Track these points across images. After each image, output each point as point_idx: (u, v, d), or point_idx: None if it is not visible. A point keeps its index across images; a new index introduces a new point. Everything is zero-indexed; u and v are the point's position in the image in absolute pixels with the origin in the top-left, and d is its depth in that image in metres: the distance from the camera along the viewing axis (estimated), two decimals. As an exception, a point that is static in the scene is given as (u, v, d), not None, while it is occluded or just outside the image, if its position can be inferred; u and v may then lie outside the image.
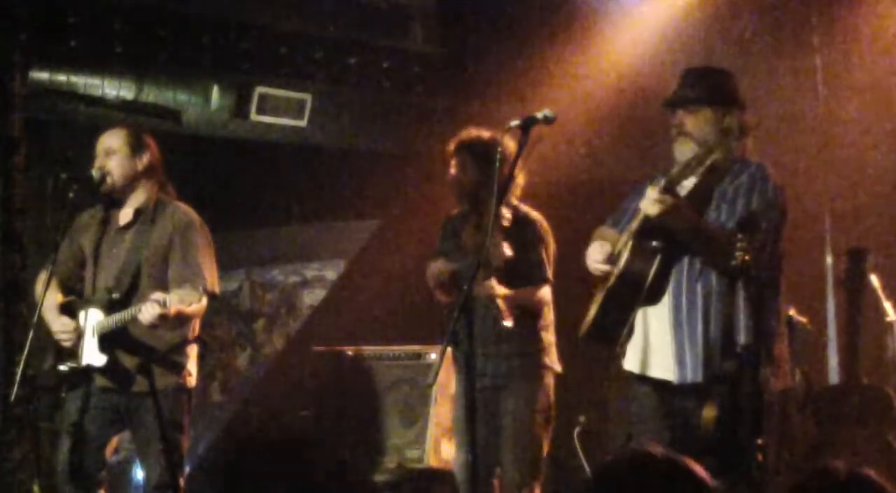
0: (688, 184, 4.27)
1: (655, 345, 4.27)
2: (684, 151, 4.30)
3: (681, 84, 4.40)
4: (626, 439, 5.64)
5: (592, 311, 4.42)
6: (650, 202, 4.07)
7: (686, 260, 4.24)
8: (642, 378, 4.35)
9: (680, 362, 4.21)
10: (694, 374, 4.20)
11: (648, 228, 4.19)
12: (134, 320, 4.71)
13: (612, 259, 4.32)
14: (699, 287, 4.22)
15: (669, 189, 4.07)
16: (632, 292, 4.26)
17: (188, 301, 4.58)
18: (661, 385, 4.28)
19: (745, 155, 4.33)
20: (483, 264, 4.74)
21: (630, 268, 4.22)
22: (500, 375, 5.19)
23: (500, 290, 5.03)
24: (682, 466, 2.22)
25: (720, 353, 4.18)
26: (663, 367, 4.26)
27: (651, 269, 4.20)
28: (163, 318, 4.62)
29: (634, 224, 4.27)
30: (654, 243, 4.21)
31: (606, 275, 4.36)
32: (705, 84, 4.35)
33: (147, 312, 4.60)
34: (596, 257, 4.36)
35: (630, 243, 4.23)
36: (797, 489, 2.38)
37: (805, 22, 7.06)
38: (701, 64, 5.30)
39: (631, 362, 4.37)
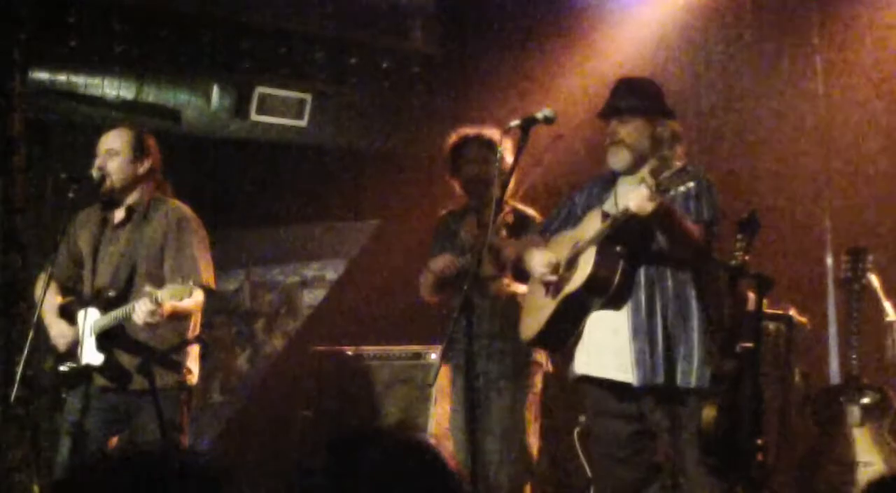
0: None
1: (614, 348, 4.33)
2: (618, 160, 4.45)
3: (613, 95, 4.51)
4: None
5: (541, 316, 4.47)
6: (643, 199, 4.08)
7: (645, 264, 4.31)
8: (598, 381, 4.41)
9: (640, 364, 4.27)
10: (655, 376, 4.26)
11: (613, 235, 4.23)
12: (129, 317, 4.70)
13: (557, 268, 4.39)
14: (658, 291, 4.29)
15: (664, 188, 4.08)
16: (595, 296, 4.33)
17: (179, 295, 4.55)
18: (618, 387, 4.34)
19: (679, 162, 4.38)
20: (494, 264, 4.79)
21: (597, 273, 4.27)
22: (492, 373, 5.19)
23: (521, 288, 5.04)
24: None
25: (682, 355, 4.26)
26: (622, 370, 4.31)
27: (617, 273, 4.26)
28: (156, 314, 4.61)
29: (589, 231, 4.32)
30: (618, 248, 4.26)
31: (553, 281, 4.43)
32: (636, 94, 4.47)
33: (140, 309, 4.59)
34: (540, 266, 4.42)
35: (595, 249, 4.27)
36: (880, 485, 2.32)
37: (805, 22, 7.05)
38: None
39: (584, 366, 4.43)
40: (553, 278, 4.41)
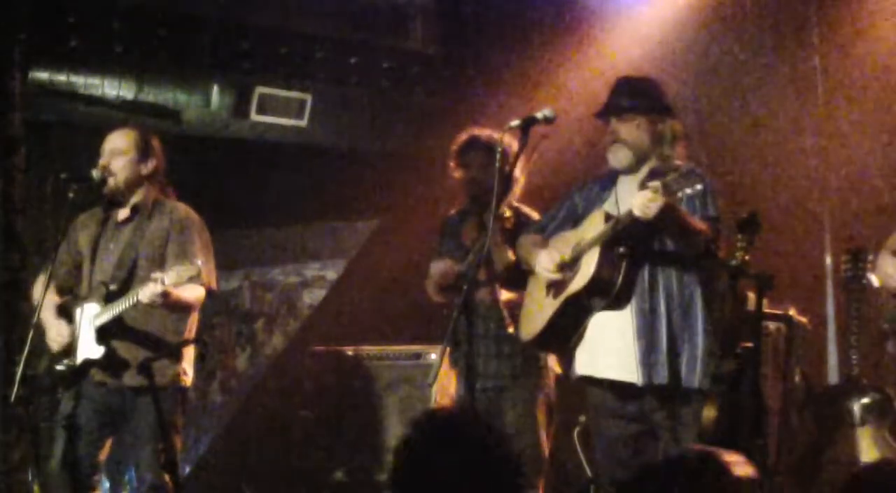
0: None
1: (617, 349, 4.33)
2: (619, 158, 4.44)
3: (612, 93, 4.49)
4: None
5: (542, 316, 4.47)
6: (644, 204, 4.07)
7: (650, 266, 4.30)
8: (599, 382, 4.41)
9: (644, 364, 4.27)
10: (659, 376, 4.26)
11: (616, 236, 4.23)
12: (134, 305, 4.71)
13: (563, 267, 4.38)
14: (662, 292, 4.29)
15: (671, 191, 4.08)
16: (598, 298, 4.33)
17: (185, 275, 4.55)
18: (621, 388, 4.34)
19: (679, 161, 4.38)
20: (485, 268, 4.79)
21: (599, 275, 4.27)
22: (503, 375, 5.23)
23: (505, 296, 5.08)
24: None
25: (690, 356, 4.26)
26: (627, 370, 4.31)
27: (620, 275, 4.26)
28: (163, 295, 4.61)
29: (591, 232, 4.31)
30: (621, 250, 4.26)
31: (555, 281, 4.41)
32: (637, 93, 4.47)
33: (148, 289, 4.60)
34: (546, 265, 4.41)
35: (598, 250, 4.27)
36: (855, 481, 2.38)
37: (805, 22, 7.06)
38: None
39: (586, 367, 4.43)
40: (557, 277, 4.40)
